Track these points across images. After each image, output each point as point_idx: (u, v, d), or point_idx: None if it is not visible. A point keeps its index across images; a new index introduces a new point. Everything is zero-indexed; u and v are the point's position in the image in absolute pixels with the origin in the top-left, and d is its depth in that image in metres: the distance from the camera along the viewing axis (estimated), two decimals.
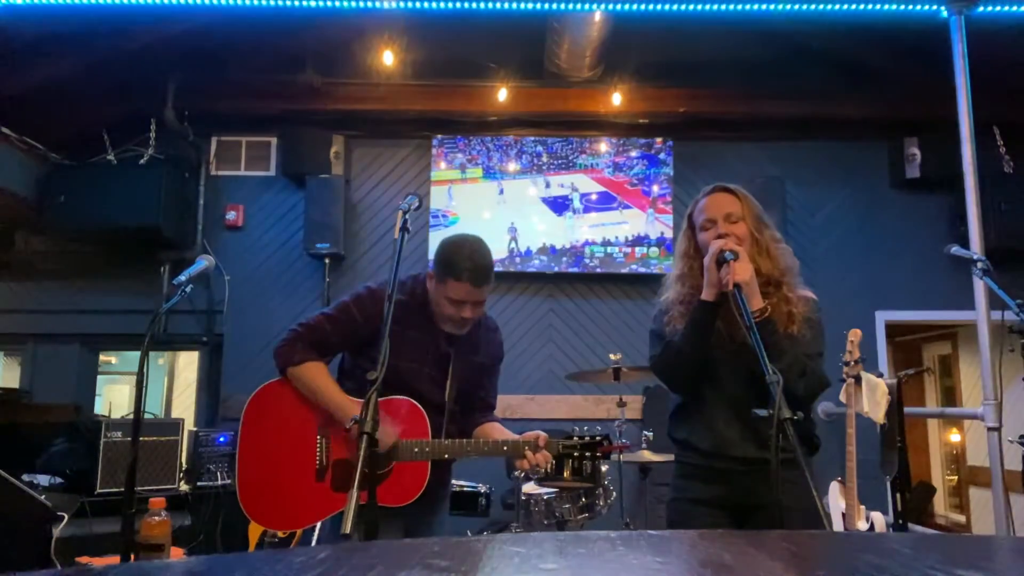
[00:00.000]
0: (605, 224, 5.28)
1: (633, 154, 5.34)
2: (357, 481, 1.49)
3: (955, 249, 3.01)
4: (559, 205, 5.31)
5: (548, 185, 5.31)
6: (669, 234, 5.22)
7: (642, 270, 5.22)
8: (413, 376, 2.19)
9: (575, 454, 2.20)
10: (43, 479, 3.85)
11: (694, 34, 4.86)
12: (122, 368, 7.87)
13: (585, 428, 2.34)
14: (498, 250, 5.23)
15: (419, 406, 2.17)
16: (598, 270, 5.24)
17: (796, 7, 4.02)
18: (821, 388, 2.01)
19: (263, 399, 2.25)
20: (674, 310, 2.09)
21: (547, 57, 5.00)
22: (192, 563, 0.99)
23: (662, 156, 5.33)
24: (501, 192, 5.31)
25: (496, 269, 5.51)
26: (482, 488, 3.87)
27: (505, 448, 2.16)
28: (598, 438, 2.24)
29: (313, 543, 3.71)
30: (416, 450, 2.12)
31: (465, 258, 2.13)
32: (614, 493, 3.60)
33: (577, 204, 5.31)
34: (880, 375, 3.37)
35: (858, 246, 5.36)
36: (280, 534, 3.95)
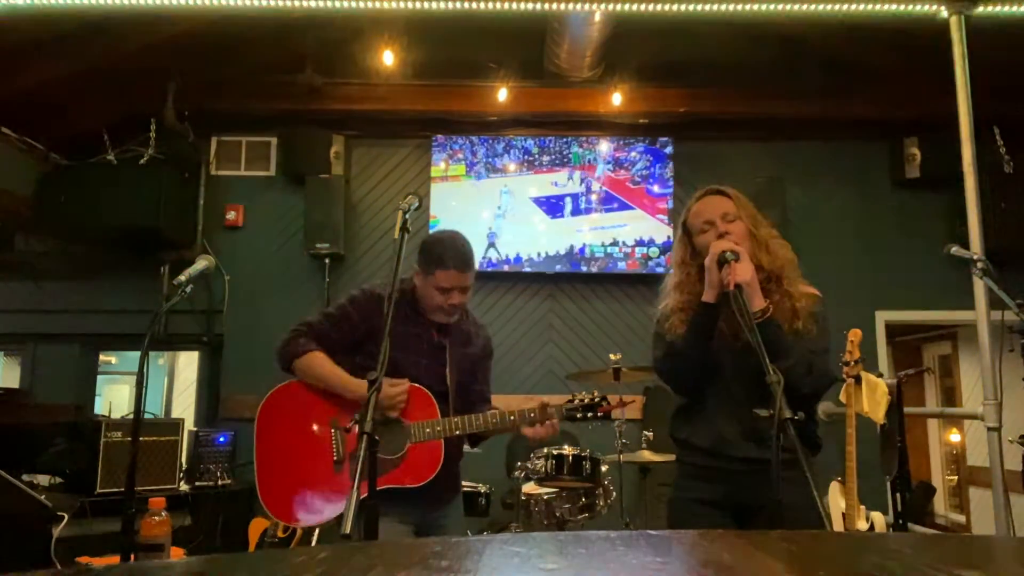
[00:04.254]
0: (604, 227, 5.26)
1: (638, 149, 5.32)
2: (357, 480, 1.51)
3: (955, 249, 3.01)
4: (555, 206, 5.30)
5: (546, 184, 5.31)
6: (670, 232, 5.21)
7: (631, 270, 5.22)
8: (412, 366, 2.28)
9: (578, 415, 2.36)
10: (43, 479, 3.85)
11: (694, 34, 4.85)
12: (122, 368, 7.87)
13: (586, 388, 2.47)
14: (497, 253, 5.23)
15: (426, 390, 2.27)
16: (595, 270, 5.24)
17: (797, 7, 4.01)
18: (827, 385, 2.01)
19: (272, 404, 2.33)
20: (674, 317, 2.08)
21: (547, 57, 5.00)
22: (192, 563, 0.99)
23: (668, 150, 5.30)
24: (504, 190, 5.30)
25: (495, 268, 5.48)
26: (482, 488, 3.86)
27: (512, 418, 2.27)
28: (597, 399, 2.38)
29: (313, 543, 3.71)
30: (428, 430, 2.23)
31: (448, 248, 2.27)
32: (614, 493, 3.60)
33: (579, 204, 5.30)
34: (880, 375, 3.37)
35: (858, 246, 5.36)
36: (280, 534, 3.95)
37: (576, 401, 2.37)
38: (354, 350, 2.34)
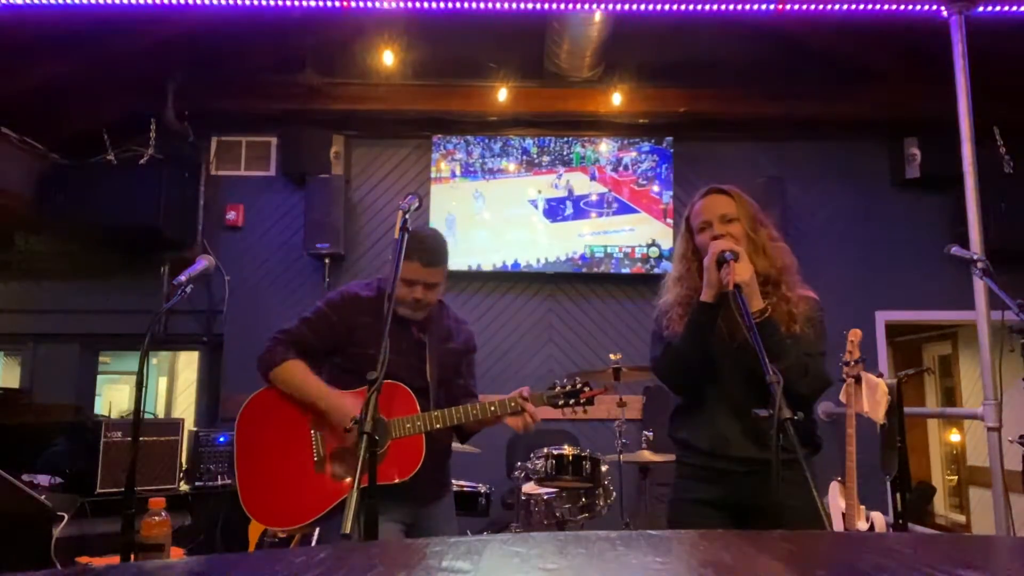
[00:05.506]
0: (607, 232, 5.25)
1: (643, 149, 5.31)
2: (357, 480, 1.51)
3: (955, 249, 3.01)
4: (555, 208, 5.29)
5: (549, 186, 5.30)
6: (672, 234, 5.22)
7: (634, 274, 5.22)
8: (392, 363, 2.26)
9: (560, 402, 2.35)
10: (43, 479, 3.85)
11: (694, 34, 4.85)
12: (122, 368, 7.87)
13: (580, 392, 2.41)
14: (497, 258, 5.22)
15: (405, 387, 2.26)
16: (597, 272, 5.24)
17: (796, 7, 4.02)
18: (823, 387, 2.01)
19: (253, 408, 2.32)
20: (673, 312, 2.09)
21: (547, 57, 5.00)
22: (192, 563, 0.98)
23: (673, 150, 5.30)
24: (482, 194, 5.30)
25: (492, 269, 5.44)
26: (482, 488, 3.86)
27: (493, 408, 2.26)
28: (579, 385, 2.37)
29: (313, 543, 3.71)
30: (409, 426, 2.22)
31: (417, 242, 2.25)
32: (614, 493, 3.59)
33: (580, 206, 5.29)
34: (880, 375, 3.37)
35: (858, 246, 5.36)
36: (280, 533, 3.95)
37: (558, 388, 2.37)
38: (334, 352, 2.34)
